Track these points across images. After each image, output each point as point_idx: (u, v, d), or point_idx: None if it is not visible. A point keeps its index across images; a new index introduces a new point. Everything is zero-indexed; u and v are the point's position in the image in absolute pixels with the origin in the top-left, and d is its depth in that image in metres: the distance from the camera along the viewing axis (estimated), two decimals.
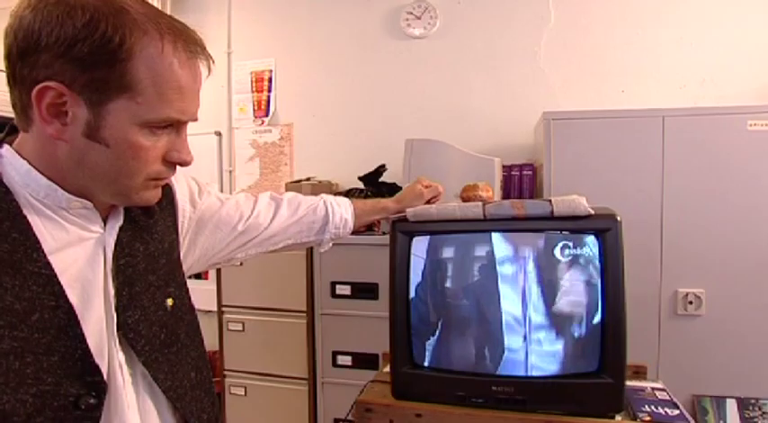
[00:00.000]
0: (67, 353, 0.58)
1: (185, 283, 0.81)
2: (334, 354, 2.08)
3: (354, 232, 1.99)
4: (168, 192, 0.80)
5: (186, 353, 0.75)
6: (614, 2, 2.25)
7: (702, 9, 2.16)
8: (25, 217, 0.58)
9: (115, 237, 0.67)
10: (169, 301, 0.73)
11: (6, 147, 0.62)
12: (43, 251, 0.58)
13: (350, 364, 2.06)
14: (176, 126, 0.64)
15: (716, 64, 2.15)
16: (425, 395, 1.05)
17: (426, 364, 1.06)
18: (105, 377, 0.62)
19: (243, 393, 2.24)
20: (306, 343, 2.12)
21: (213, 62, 0.67)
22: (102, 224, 0.67)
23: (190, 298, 0.81)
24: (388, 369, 1.12)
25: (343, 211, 1.08)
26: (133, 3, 0.59)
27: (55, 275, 0.58)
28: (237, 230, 0.94)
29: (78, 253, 0.63)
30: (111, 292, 0.65)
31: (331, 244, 1.11)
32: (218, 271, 2.27)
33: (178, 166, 0.69)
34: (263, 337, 2.20)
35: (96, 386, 0.60)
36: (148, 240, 0.72)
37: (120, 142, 0.60)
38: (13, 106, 0.61)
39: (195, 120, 0.66)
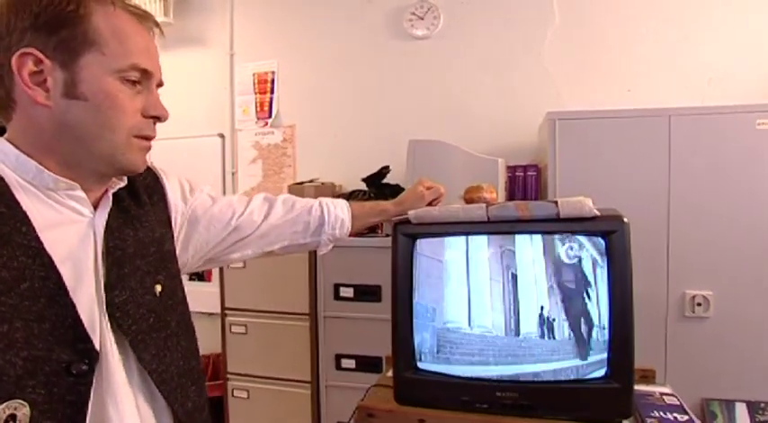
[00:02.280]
0: (58, 321, 0.62)
1: (179, 276, 0.84)
2: (338, 357, 2.07)
3: (357, 234, 1.97)
4: (159, 188, 0.85)
5: (177, 341, 0.78)
6: (619, 0, 2.23)
7: (709, 7, 2.14)
8: (14, 195, 0.62)
9: (105, 221, 0.71)
10: (158, 287, 0.76)
11: (2, 140, 0.67)
12: (32, 226, 0.62)
13: (353, 367, 2.05)
14: (146, 82, 0.70)
15: (723, 62, 2.12)
16: (429, 400, 1.03)
17: (429, 368, 1.04)
18: (97, 348, 0.65)
19: (246, 396, 2.23)
20: (309, 346, 2.11)
21: (161, 30, 0.75)
22: (93, 209, 0.71)
23: (183, 290, 0.84)
24: (391, 373, 1.10)
25: (339, 212, 1.07)
26: None
27: (43, 248, 0.62)
28: (231, 226, 0.95)
29: (70, 233, 0.67)
30: (102, 272, 0.69)
31: (331, 246, 1.10)
32: (221, 273, 2.27)
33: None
34: (265, 340, 2.19)
35: (87, 353, 0.63)
36: (138, 227, 0.76)
37: (97, 93, 0.65)
38: None
39: (161, 83, 0.73)
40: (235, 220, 0.96)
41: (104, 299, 0.68)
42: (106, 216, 0.71)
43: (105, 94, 0.66)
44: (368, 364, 1.99)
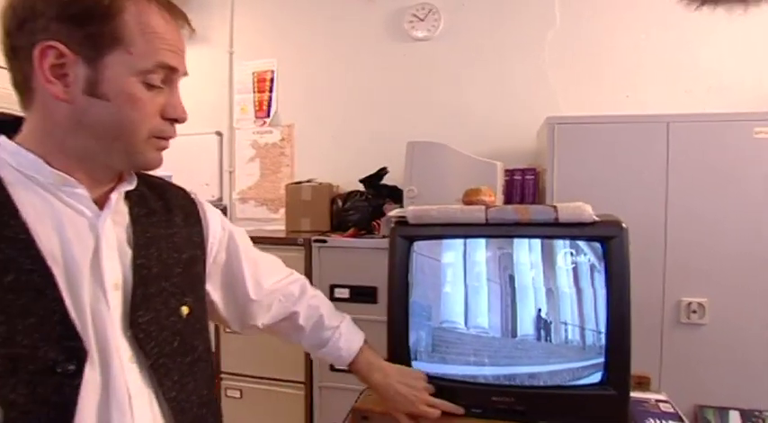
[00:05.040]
0: (45, 316, 0.58)
1: (205, 300, 0.84)
2: None
3: (354, 235, 1.96)
4: (195, 212, 0.85)
5: (203, 367, 0.76)
6: (620, 6, 2.23)
7: (710, 15, 2.14)
8: (5, 189, 0.61)
9: (106, 223, 0.68)
10: (184, 309, 0.74)
11: (2, 137, 0.66)
12: (22, 219, 0.60)
13: (348, 368, 2.03)
14: (169, 81, 0.68)
15: (722, 70, 2.13)
16: None
17: (425, 370, 1.03)
18: (95, 354, 0.62)
19: (239, 396, 2.21)
20: None
21: (191, 28, 0.72)
22: (95, 208, 0.67)
23: (207, 315, 0.84)
24: None
25: (342, 353, 1.02)
26: None
27: (32, 241, 0.60)
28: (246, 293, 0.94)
29: (65, 230, 0.64)
30: (108, 281, 0.65)
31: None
32: None
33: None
34: (259, 339, 2.17)
35: (75, 352, 0.60)
36: (163, 248, 0.74)
37: (119, 94, 0.64)
38: (15, 85, 0.65)
39: (186, 74, 0.71)
40: (253, 292, 0.94)
41: (129, 317, 0.66)
42: (108, 218, 0.69)
43: (127, 96, 0.64)
44: None
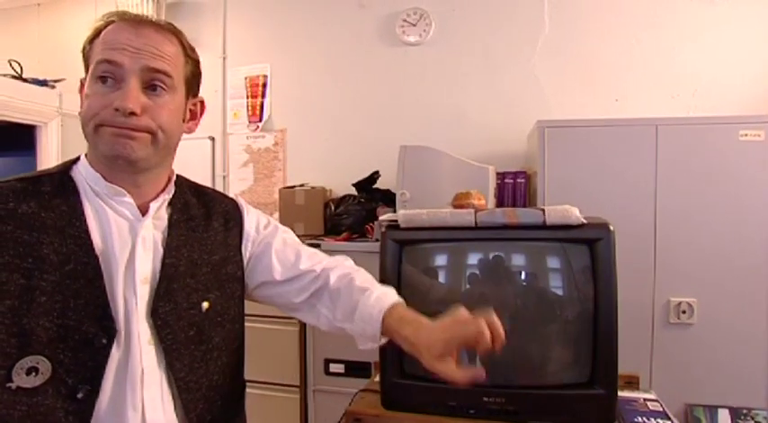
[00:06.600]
0: (91, 299, 0.72)
1: (237, 297, 0.90)
2: (327, 361, 2.07)
3: (347, 239, 1.96)
4: (237, 216, 0.94)
5: (217, 356, 0.84)
6: (608, 11, 2.27)
7: (694, 20, 2.18)
8: (79, 197, 0.76)
9: (144, 228, 0.79)
10: (205, 304, 0.83)
11: (82, 155, 0.82)
12: (85, 222, 0.75)
13: (342, 371, 2.05)
14: (119, 77, 0.75)
15: (708, 74, 2.17)
16: (416, 405, 1.03)
17: (417, 373, 1.04)
18: (122, 333, 0.73)
19: None
20: (298, 350, 2.11)
21: (170, 30, 0.85)
22: (138, 214, 0.80)
23: (239, 311, 0.91)
24: (379, 378, 1.11)
25: (374, 311, 0.87)
26: (113, 13, 0.80)
27: (90, 241, 0.74)
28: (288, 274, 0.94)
29: (112, 232, 0.77)
30: (138, 276, 0.76)
31: (369, 345, 0.95)
32: None
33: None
34: (254, 344, 2.15)
35: (108, 330, 0.72)
36: (194, 249, 0.84)
37: (84, 96, 0.78)
38: None
39: (149, 70, 0.76)
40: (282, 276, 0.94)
41: (151, 306, 0.77)
42: (149, 224, 0.80)
43: (85, 96, 0.77)
44: (357, 369, 1.99)
